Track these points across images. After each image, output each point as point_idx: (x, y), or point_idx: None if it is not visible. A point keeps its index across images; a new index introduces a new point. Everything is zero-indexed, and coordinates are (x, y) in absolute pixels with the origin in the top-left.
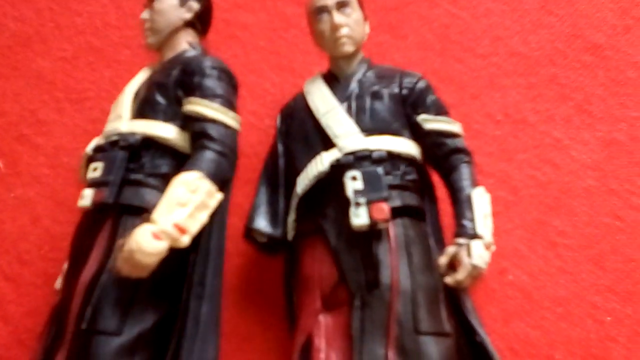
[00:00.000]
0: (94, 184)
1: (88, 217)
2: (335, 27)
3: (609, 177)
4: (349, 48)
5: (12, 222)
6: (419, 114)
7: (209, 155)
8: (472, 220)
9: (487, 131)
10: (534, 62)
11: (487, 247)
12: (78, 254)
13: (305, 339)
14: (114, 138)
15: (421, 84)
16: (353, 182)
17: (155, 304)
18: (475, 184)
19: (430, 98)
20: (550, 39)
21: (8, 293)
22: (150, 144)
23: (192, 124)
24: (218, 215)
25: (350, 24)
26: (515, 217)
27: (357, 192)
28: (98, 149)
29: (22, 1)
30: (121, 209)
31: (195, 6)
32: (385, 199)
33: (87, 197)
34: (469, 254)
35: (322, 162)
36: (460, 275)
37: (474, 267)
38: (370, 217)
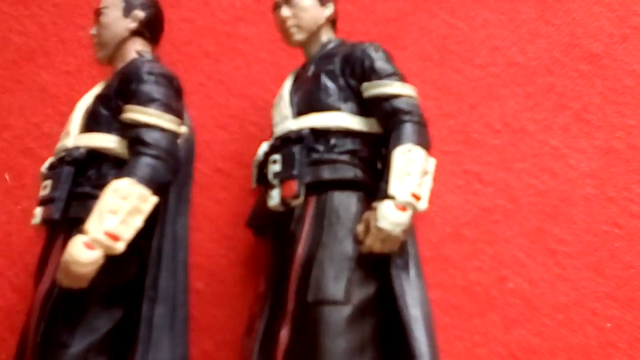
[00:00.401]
0: (43, 201)
1: (46, 234)
2: (282, 21)
3: (607, 185)
4: (298, 37)
5: (19, 234)
6: (361, 83)
7: (143, 161)
8: (386, 181)
9: (487, 140)
10: (532, 71)
11: (402, 207)
12: (38, 271)
13: (249, 322)
14: (62, 154)
15: (362, 54)
16: (273, 166)
17: (108, 312)
18: (404, 142)
19: (370, 65)
20: (547, 49)
21: (15, 304)
22: (95, 156)
23: (128, 131)
24: (169, 217)
25: (297, 14)
26: (514, 225)
27: (275, 175)
28: (50, 167)
29: (26, 16)
30: (71, 224)
31: (140, 15)
32: (295, 177)
33: (37, 215)
34: (376, 217)
35: (259, 152)
36: (368, 240)
37: (379, 230)
38: (281, 196)
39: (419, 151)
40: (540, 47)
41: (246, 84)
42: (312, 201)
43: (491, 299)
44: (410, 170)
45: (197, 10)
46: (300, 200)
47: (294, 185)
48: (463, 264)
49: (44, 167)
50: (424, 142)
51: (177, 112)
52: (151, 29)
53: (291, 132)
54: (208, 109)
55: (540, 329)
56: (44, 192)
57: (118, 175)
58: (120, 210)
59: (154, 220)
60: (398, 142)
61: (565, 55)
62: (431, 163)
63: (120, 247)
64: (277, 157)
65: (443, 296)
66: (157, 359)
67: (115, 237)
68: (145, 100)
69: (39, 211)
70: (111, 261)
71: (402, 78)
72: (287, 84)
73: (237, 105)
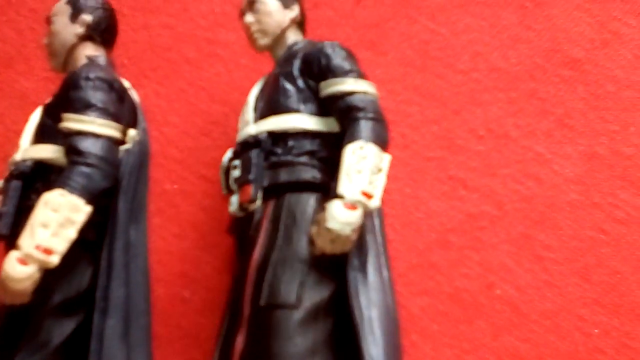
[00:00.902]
0: None
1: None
2: (247, 28)
3: (591, 191)
4: (262, 41)
5: None
6: (319, 83)
7: (76, 170)
8: (336, 179)
9: (470, 146)
10: (514, 77)
11: (351, 206)
12: None
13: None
14: (11, 168)
15: (318, 53)
16: (234, 171)
17: (60, 324)
18: (356, 139)
19: (327, 64)
20: (529, 54)
21: None
22: (42, 168)
23: (65, 140)
24: (120, 226)
25: (260, 19)
26: (500, 231)
27: (235, 180)
28: (4, 182)
29: (3, 22)
30: None
31: (88, 19)
32: (251, 182)
33: None
34: (325, 218)
35: (224, 158)
36: (319, 241)
37: (328, 231)
38: (239, 201)
39: (371, 148)
40: (522, 53)
41: (228, 90)
42: (270, 205)
43: (479, 305)
44: (361, 167)
45: (177, 16)
46: (258, 204)
47: (249, 190)
48: (450, 271)
49: (0, 182)
50: (378, 138)
51: (115, 116)
52: (101, 33)
53: (250, 136)
54: (190, 115)
55: (528, 335)
56: None
57: (50, 187)
58: (52, 223)
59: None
60: (350, 139)
61: (547, 60)
62: (385, 160)
63: (54, 260)
64: (237, 162)
65: (430, 303)
66: None
67: (48, 251)
68: (81, 107)
69: None
70: (62, 273)
71: (360, 75)
72: (255, 90)
73: (219, 111)
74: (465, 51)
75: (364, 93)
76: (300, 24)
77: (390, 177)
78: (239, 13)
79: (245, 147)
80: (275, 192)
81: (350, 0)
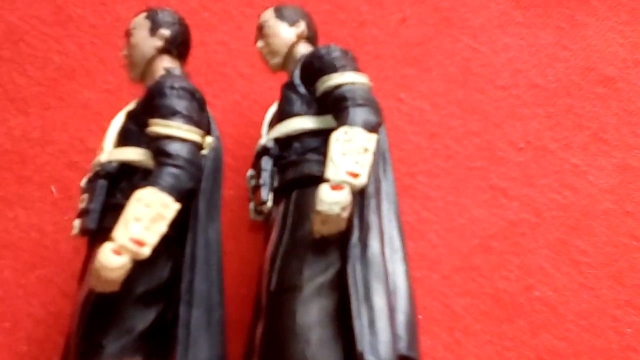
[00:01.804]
0: (81, 213)
1: (86, 245)
2: (260, 54)
3: (625, 200)
4: (273, 61)
5: (67, 243)
6: (315, 85)
7: (165, 170)
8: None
9: (511, 158)
10: (552, 93)
11: (337, 186)
12: (80, 278)
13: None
14: (96, 169)
15: (312, 58)
16: (251, 181)
17: (142, 313)
18: (341, 125)
19: (319, 66)
20: (565, 72)
21: (66, 308)
22: (126, 169)
23: (152, 143)
24: (201, 225)
25: (268, 41)
26: (539, 237)
27: (251, 189)
28: (88, 182)
29: (65, 36)
30: (106, 233)
31: (166, 33)
32: (262, 185)
33: (76, 226)
34: (315, 203)
35: (247, 174)
36: (314, 226)
37: (318, 213)
38: (254, 206)
39: (356, 130)
40: (559, 71)
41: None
42: (282, 204)
43: (518, 305)
44: (346, 150)
45: (231, 34)
46: (269, 205)
47: (260, 193)
48: (491, 274)
49: (82, 182)
50: (364, 121)
51: (198, 123)
52: (177, 46)
53: (260, 147)
54: (244, 126)
55: (565, 334)
56: (81, 205)
57: (142, 185)
58: (144, 218)
59: (186, 227)
60: (337, 128)
61: (582, 78)
62: (372, 140)
63: (145, 251)
64: (251, 172)
65: (473, 303)
66: (196, 357)
67: (140, 243)
68: (167, 114)
69: (77, 223)
70: (144, 266)
71: (350, 69)
72: (273, 107)
73: None
74: (505, 68)
75: (352, 84)
76: (309, 38)
77: (435, 186)
78: (254, 42)
79: (257, 158)
80: (285, 191)
81: (395, 20)
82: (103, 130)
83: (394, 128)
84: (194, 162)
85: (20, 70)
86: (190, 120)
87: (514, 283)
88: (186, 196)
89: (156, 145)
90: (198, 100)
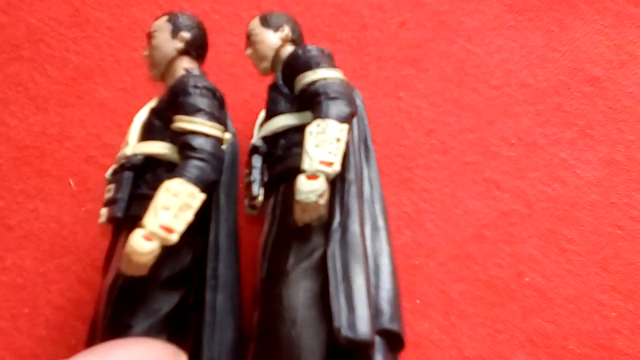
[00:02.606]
0: (108, 202)
1: (112, 232)
2: (250, 60)
3: (610, 193)
4: (261, 66)
5: (85, 233)
6: (294, 83)
7: (191, 163)
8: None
9: (503, 152)
10: (542, 92)
11: (312, 176)
12: (105, 264)
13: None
14: (122, 161)
15: (290, 59)
16: (246, 179)
17: (167, 296)
18: (314, 119)
19: (297, 66)
20: (555, 72)
21: (84, 296)
22: (151, 161)
23: (177, 138)
24: (223, 215)
25: (256, 48)
26: (529, 227)
27: (245, 187)
28: (113, 173)
29: (82, 37)
30: (132, 221)
31: (187, 36)
32: (252, 181)
33: (103, 215)
34: (294, 193)
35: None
36: (295, 215)
37: (297, 203)
38: (248, 201)
39: (328, 122)
40: (548, 71)
41: None
42: (272, 197)
43: (510, 291)
44: (319, 142)
45: (240, 35)
46: (260, 200)
47: (254, 188)
48: (484, 261)
49: (107, 174)
50: (336, 112)
51: (219, 120)
52: (197, 49)
53: (251, 146)
54: (252, 123)
55: (553, 317)
56: (108, 195)
57: (169, 177)
58: (173, 206)
59: (204, 217)
60: (311, 121)
61: (571, 78)
62: (344, 129)
63: (174, 238)
64: (246, 171)
65: (467, 289)
66: (222, 339)
67: (169, 230)
68: (192, 111)
69: (104, 211)
70: (169, 252)
71: (322, 65)
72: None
73: None
74: (498, 69)
75: (324, 79)
76: (294, 40)
77: (432, 179)
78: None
79: (249, 156)
80: (273, 185)
81: (395, 23)
82: (119, 127)
83: (394, 125)
84: (217, 155)
85: (39, 69)
86: (212, 117)
87: (506, 270)
88: (210, 187)
89: (182, 140)
90: (218, 99)
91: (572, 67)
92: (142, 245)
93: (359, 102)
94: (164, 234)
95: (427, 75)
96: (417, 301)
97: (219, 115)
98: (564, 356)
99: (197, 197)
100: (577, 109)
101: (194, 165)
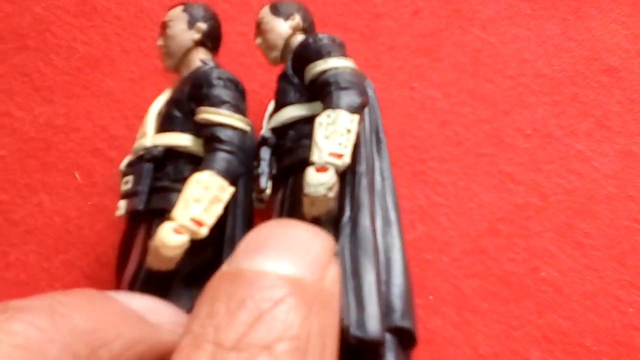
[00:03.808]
0: (127, 195)
1: (127, 225)
2: (260, 49)
3: (627, 185)
4: (271, 55)
5: (90, 227)
6: (304, 73)
7: (219, 156)
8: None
9: (518, 144)
10: (557, 82)
11: (321, 168)
12: (121, 257)
13: None
14: (141, 153)
15: (300, 48)
16: (255, 171)
17: (189, 290)
18: (324, 109)
19: (307, 56)
20: (571, 62)
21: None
22: (171, 153)
23: (203, 130)
24: (240, 209)
25: (265, 37)
26: (545, 220)
27: (254, 179)
28: (129, 165)
29: (89, 27)
30: (152, 214)
31: (203, 27)
32: (260, 174)
33: (121, 207)
34: (303, 187)
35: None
36: (304, 209)
37: (306, 196)
38: (256, 194)
39: (338, 112)
40: (564, 61)
41: None
42: (281, 190)
43: (525, 286)
44: (329, 133)
45: (250, 25)
46: (268, 192)
47: (261, 181)
48: (499, 255)
49: (122, 165)
50: (347, 103)
51: (243, 112)
52: (212, 40)
53: (259, 138)
54: (262, 113)
55: (569, 314)
56: (126, 187)
57: (199, 169)
58: (203, 199)
59: (225, 211)
60: (322, 112)
61: (587, 67)
62: (354, 120)
63: (204, 231)
64: (255, 163)
65: (481, 284)
66: None
67: (199, 223)
68: (217, 102)
69: (122, 204)
70: (192, 247)
71: (333, 54)
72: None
73: None
74: (513, 58)
75: (335, 69)
76: (305, 29)
77: (445, 171)
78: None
79: (257, 148)
80: (283, 177)
81: (408, 12)
82: (125, 118)
83: (407, 115)
84: (244, 148)
85: (45, 59)
86: (237, 109)
87: (521, 265)
88: (237, 180)
89: (209, 132)
90: (240, 92)
91: (589, 56)
92: (172, 238)
93: (370, 92)
94: (194, 227)
95: (441, 65)
96: (430, 297)
97: (242, 108)
98: (580, 353)
99: (227, 190)
100: (594, 100)
101: (222, 158)
